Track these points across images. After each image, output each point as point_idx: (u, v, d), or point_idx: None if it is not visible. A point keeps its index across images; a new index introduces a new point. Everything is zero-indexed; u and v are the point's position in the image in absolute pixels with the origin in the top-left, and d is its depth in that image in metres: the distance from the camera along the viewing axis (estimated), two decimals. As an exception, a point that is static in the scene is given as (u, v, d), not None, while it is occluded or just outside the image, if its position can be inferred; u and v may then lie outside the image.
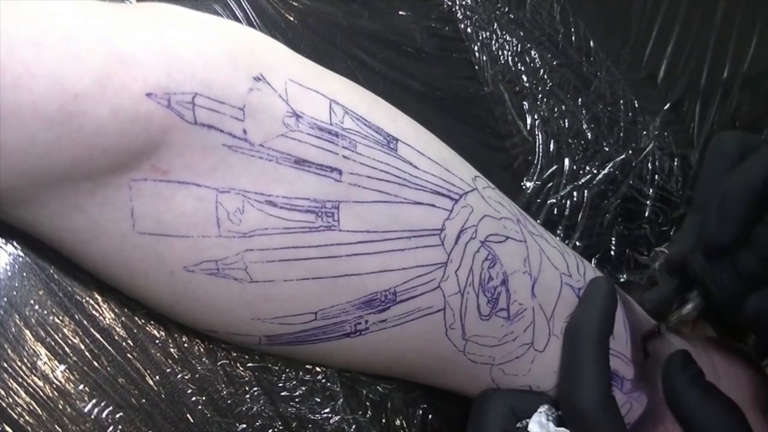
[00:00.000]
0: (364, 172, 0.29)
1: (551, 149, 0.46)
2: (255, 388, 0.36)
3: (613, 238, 0.49)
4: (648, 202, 0.50)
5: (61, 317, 0.32)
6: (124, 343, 0.33)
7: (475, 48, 0.45)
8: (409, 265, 0.30)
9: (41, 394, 0.31)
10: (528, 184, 0.46)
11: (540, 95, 0.46)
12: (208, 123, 0.26)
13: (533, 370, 0.35)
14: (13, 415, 0.31)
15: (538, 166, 0.46)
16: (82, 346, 0.32)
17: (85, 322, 0.33)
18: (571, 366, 0.34)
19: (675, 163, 0.51)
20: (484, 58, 0.45)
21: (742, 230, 0.36)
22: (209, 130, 0.26)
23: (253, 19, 0.38)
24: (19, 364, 0.31)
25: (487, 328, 0.33)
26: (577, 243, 0.47)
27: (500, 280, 0.33)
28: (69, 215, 0.26)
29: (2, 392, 0.31)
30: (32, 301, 0.32)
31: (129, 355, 0.33)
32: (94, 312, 0.33)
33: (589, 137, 0.48)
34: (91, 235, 0.27)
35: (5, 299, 0.31)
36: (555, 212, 0.46)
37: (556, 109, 0.47)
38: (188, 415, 0.34)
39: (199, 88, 0.25)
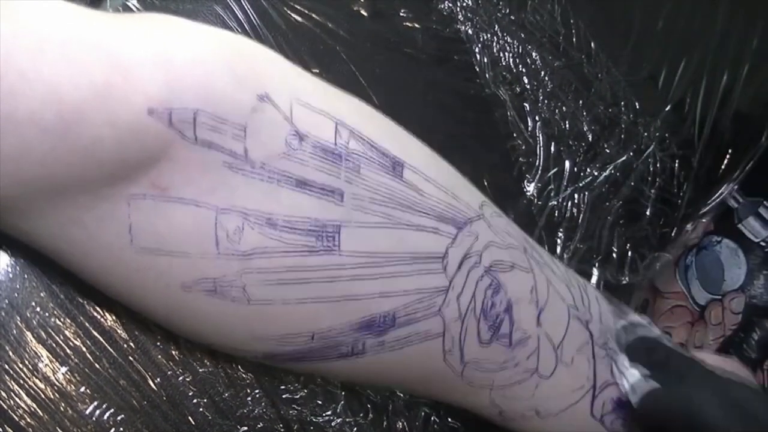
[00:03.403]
0: (367, 196, 0.29)
1: (552, 151, 0.46)
2: (256, 391, 0.36)
3: (615, 240, 0.49)
4: (649, 203, 0.50)
5: (62, 319, 0.32)
6: (125, 346, 0.33)
7: (476, 50, 0.45)
8: (410, 290, 0.30)
9: (42, 396, 0.31)
10: (529, 186, 0.46)
11: (541, 97, 0.46)
12: (209, 141, 0.26)
13: (537, 395, 0.35)
14: (15, 417, 0.31)
15: (539, 168, 0.46)
16: (84, 348, 0.32)
17: (86, 324, 0.32)
18: None
19: (676, 165, 0.51)
20: (485, 60, 0.45)
21: None
22: (209, 148, 0.26)
23: (254, 21, 0.38)
24: (20, 366, 0.31)
25: (487, 354, 0.33)
26: (579, 245, 0.47)
27: (503, 308, 0.33)
28: (67, 228, 0.26)
29: (4, 394, 0.31)
30: (34, 303, 0.32)
31: (130, 357, 0.33)
32: (95, 314, 0.33)
33: (590, 139, 0.48)
34: (88, 249, 0.27)
35: (7, 301, 0.31)
36: (556, 214, 0.46)
37: (556, 111, 0.47)
38: (189, 417, 0.34)
39: (200, 103, 0.25)
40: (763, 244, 0.52)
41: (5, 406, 0.31)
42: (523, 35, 0.46)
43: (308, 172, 0.28)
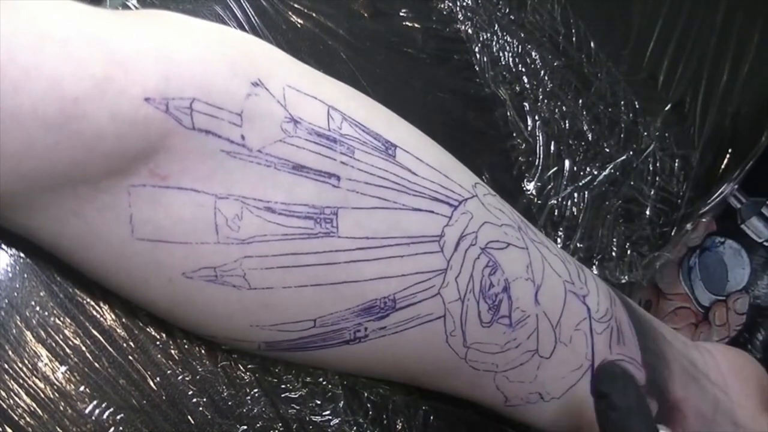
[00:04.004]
0: (363, 179, 0.29)
1: (552, 150, 0.46)
2: (256, 390, 0.36)
3: (615, 239, 0.49)
4: (649, 202, 0.50)
5: (62, 318, 0.32)
6: (125, 345, 0.33)
7: (476, 49, 0.45)
8: (409, 271, 0.30)
9: (42, 395, 0.31)
10: (529, 185, 0.46)
11: (541, 96, 0.46)
12: (206, 128, 0.26)
13: (539, 377, 0.35)
14: (14, 416, 0.31)
15: (539, 167, 0.46)
16: (83, 348, 0.32)
17: (86, 323, 0.33)
18: None
19: (676, 164, 0.51)
20: (485, 60, 0.45)
21: None
22: (207, 135, 0.26)
23: (253, 20, 0.38)
24: (20, 365, 0.31)
25: (488, 335, 0.33)
26: (579, 244, 0.47)
27: (502, 287, 0.33)
28: (68, 221, 0.26)
29: (3, 394, 0.31)
30: (33, 303, 0.32)
31: (130, 356, 0.33)
32: (95, 313, 0.33)
33: (590, 138, 0.48)
34: (89, 241, 0.27)
35: (6, 300, 0.31)
36: (556, 213, 0.46)
37: (556, 110, 0.47)
38: (189, 417, 0.34)
39: (197, 93, 0.25)
40: (766, 244, 0.52)
41: (5, 406, 0.31)
42: (522, 35, 0.46)
43: (304, 156, 0.28)
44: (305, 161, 0.28)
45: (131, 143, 0.25)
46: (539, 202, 0.46)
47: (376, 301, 0.30)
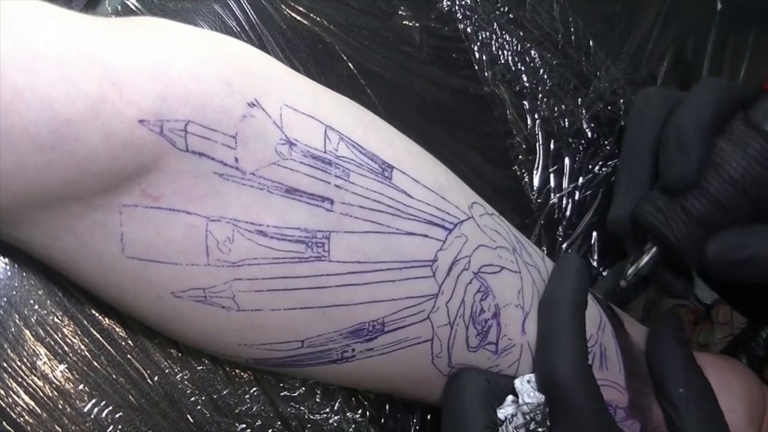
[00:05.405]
0: (357, 202, 0.29)
1: (552, 149, 0.46)
2: (254, 389, 0.36)
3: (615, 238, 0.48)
4: (649, 201, 0.49)
5: (60, 317, 0.32)
6: (123, 343, 0.33)
7: (475, 48, 0.45)
8: (399, 296, 0.30)
9: (41, 393, 0.31)
10: (529, 184, 0.46)
11: (540, 95, 0.46)
12: (200, 151, 0.26)
13: None
14: (13, 414, 0.31)
15: (539, 166, 0.46)
16: (82, 346, 0.33)
17: (84, 321, 0.33)
18: (547, 338, 0.33)
19: (676, 163, 0.50)
20: (484, 58, 0.45)
21: (703, 162, 0.37)
22: (200, 157, 0.26)
23: (252, 20, 0.38)
24: (18, 363, 0.31)
25: (473, 359, 0.33)
26: (579, 243, 0.47)
27: (492, 313, 0.33)
28: (59, 236, 0.26)
29: (2, 392, 0.31)
30: (32, 301, 0.32)
31: (129, 355, 0.33)
32: (94, 312, 0.33)
33: (590, 136, 0.48)
34: (80, 257, 0.27)
35: (5, 299, 0.31)
36: (556, 212, 0.46)
37: (556, 109, 0.47)
38: (188, 416, 0.34)
39: (192, 115, 0.25)
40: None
41: (3, 404, 0.31)
42: (521, 33, 0.46)
43: (298, 179, 0.28)
44: (299, 184, 0.28)
45: (124, 163, 0.25)
46: (539, 200, 0.46)
47: (364, 324, 0.30)
